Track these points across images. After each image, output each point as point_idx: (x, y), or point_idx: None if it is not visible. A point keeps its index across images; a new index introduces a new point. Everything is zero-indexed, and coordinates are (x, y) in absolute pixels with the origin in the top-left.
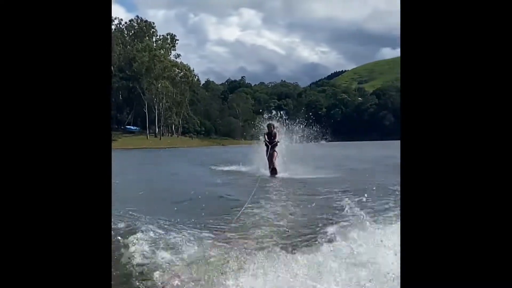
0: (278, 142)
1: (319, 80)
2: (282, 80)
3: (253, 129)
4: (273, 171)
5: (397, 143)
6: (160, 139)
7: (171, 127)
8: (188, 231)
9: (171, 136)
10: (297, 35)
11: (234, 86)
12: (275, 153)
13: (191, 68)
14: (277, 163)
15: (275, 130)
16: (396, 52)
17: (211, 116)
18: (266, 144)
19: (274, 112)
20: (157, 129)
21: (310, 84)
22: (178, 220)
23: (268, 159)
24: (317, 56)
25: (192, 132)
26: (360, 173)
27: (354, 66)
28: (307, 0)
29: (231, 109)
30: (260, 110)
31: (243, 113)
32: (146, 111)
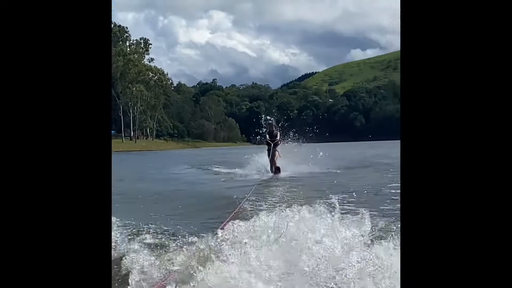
0: (280, 141)
1: (290, 82)
2: (253, 83)
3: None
4: (277, 170)
5: (369, 143)
6: (136, 142)
7: (146, 130)
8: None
9: (146, 139)
10: (267, 37)
11: (205, 89)
12: (277, 152)
13: (165, 72)
14: (278, 162)
15: (276, 130)
16: (366, 54)
17: (183, 119)
18: (267, 143)
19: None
20: (132, 133)
21: (281, 86)
22: None
23: (270, 158)
24: (287, 58)
25: (165, 135)
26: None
27: (325, 68)
28: (277, 3)
29: (203, 112)
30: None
31: (215, 115)
32: (121, 114)
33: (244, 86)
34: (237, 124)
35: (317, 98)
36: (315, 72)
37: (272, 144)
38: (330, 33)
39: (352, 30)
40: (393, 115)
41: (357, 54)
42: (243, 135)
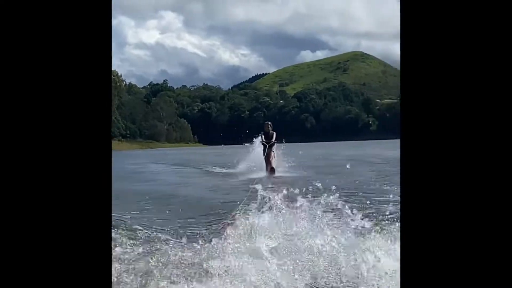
0: (276, 142)
1: (241, 83)
2: (204, 83)
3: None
4: (272, 170)
5: (317, 144)
6: None
7: None
8: None
9: None
10: (217, 38)
11: (156, 90)
12: (273, 152)
13: (119, 74)
14: (273, 162)
15: (271, 130)
16: (316, 55)
17: (135, 119)
18: (263, 144)
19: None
20: None
21: (232, 87)
22: None
23: (265, 158)
24: (238, 59)
25: (118, 136)
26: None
27: (275, 69)
28: (228, 4)
29: (155, 113)
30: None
31: (167, 116)
32: None
33: (195, 87)
34: (189, 125)
35: (268, 99)
36: (266, 73)
37: (268, 145)
38: (280, 34)
39: (302, 31)
40: (343, 117)
41: (307, 55)
42: (195, 136)
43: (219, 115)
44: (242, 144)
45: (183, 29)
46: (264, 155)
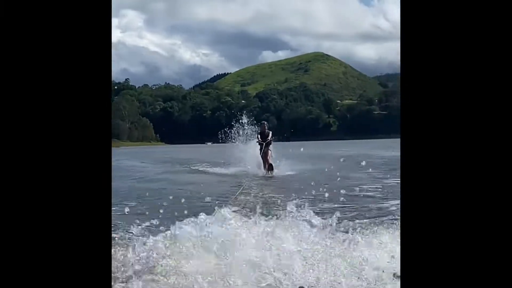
0: (272, 140)
1: (203, 83)
2: (166, 83)
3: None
4: (270, 167)
5: (281, 144)
6: None
7: None
8: None
9: None
10: (178, 37)
11: (118, 88)
12: (269, 151)
13: None
14: (271, 160)
15: (267, 129)
16: (277, 55)
17: None
18: (259, 143)
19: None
20: None
21: (193, 87)
22: None
23: (262, 157)
24: (199, 58)
25: None
26: None
27: (237, 69)
28: (190, 3)
29: (117, 111)
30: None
31: (129, 115)
32: None
33: (157, 86)
34: (151, 123)
35: (229, 99)
36: (227, 73)
37: (264, 144)
38: (242, 34)
39: (264, 31)
40: (304, 117)
41: (269, 56)
42: (157, 135)
43: (181, 114)
44: (204, 143)
45: (144, 28)
46: (261, 154)
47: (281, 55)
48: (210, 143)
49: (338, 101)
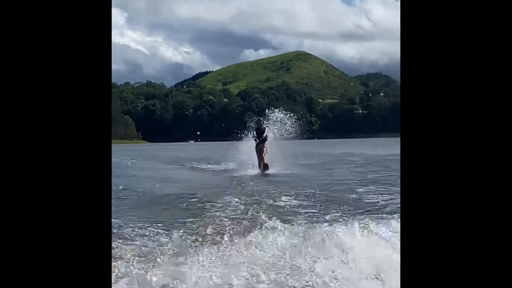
0: (267, 137)
1: (185, 81)
2: (148, 81)
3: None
4: (265, 166)
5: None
6: None
7: None
8: None
9: None
10: (160, 35)
11: None
12: (265, 148)
13: None
14: (266, 158)
15: (264, 125)
16: (259, 54)
17: None
18: (255, 140)
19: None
20: None
21: (175, 85)
22: None
23: (257, 154)
24: (181, 56)
25: None
26: None
27: (219, 67)
28: (172, 1)
29: None
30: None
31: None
32: None
33: (139, 84)
34: (133, 121)
35: (212, 97)
36: (209, 71)
37: (259, 140)
38: (224, 33)
39: (246, 30)
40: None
41: (250, 54)
42: (139, 133)
43: (163, 112)
44: (186, 141)
45: (126, 26)
46: (256, 151)
47: (263, 53)
48: (192, 142)
49: (319, 100)
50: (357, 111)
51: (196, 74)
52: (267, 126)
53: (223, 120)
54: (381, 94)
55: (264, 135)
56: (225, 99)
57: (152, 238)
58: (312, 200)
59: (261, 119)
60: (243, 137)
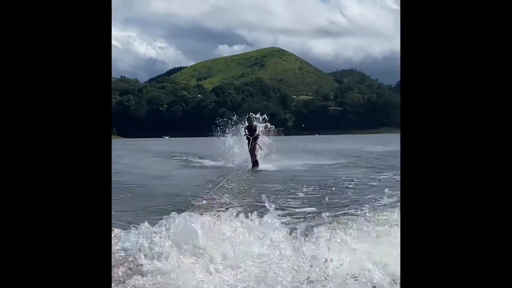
0: (259, 135)
1: (159, 76)
2: (121, 76)
3: None
4: (255, 163)
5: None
6: None
7: None
8: None
9: None
10: (133, 29)
11: None
12: (257, 145)
13: None
14: (258, 155)
15: (255, 122)
16: (233, 50)
17: None
18: (247, 138)
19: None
20: None
21: (149, 80)
22: None
23: (250, 151)
24: (154, 52)
25: None
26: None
27: (193, 63)
28: None
29: None
30: None
31: None
32: None
33: (113, 79)
34: None
35: (186, 93)
36: (184, 67)
37: (252, 138)
38: (198, 28)
39: (220, 25)
40: (260, 112)
41: (225, 50)
42: (114, 128)
43: (138, 108)
44: (162, 137)
45: None
46: (248, 148)
47: (237, 49)
48: (167, 137)
49: (294, 96)
50: (331, 108)
51: (170, 70)
52: (257, 124)
53: (197, 116)
54: (355, 90)
55: (257, 132)
56: (199, 95)
57: None
58: None
59: (252, 116)
60: (220, 133)
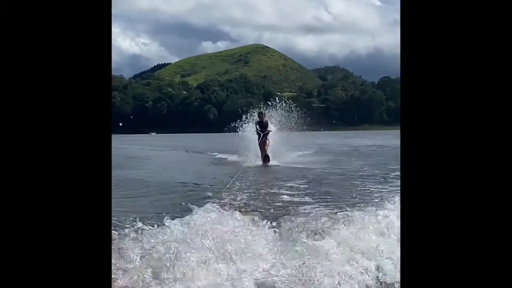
0: (270, 131)
1: (143, 73)
2: None
3: None
4: (266, 158)
5: (222, 135)
6: None
7: None
8: None
9: None
10: (117, 25)
11: None
12: (268, 141)
13: None
14: (269, 150)
15: (266, 118)
16: (217, 46)
17: None
18: (257, 133)
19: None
20: None
21: (134, 76)
22: None
23: (260, 146)
24: (138, 48)
25: None
26: None
27: (177, 59)
28: None
29: None
30: None
31: None
32: None
33: None
34: None
35: (171, 90)
36: (168, 63)
37: (262, 134)
38: (182, 24)
39: (204, 22)
40: (245, 109)
41: (209, 46)
42: None
43: (123, 104)
44: (148, 133)
45: None
46: (259, 143)
47: (221, 46)
48: (154, 133)
49: (278, 93)
50: (315, 105)
51: (154, 66)
52: (269, 119)
53: (182, 112)
54: (339, 87)
55: (268, 128)
56: (184, 92)
57: None
58: None
59: (263, 112)
60: (206, 129)
